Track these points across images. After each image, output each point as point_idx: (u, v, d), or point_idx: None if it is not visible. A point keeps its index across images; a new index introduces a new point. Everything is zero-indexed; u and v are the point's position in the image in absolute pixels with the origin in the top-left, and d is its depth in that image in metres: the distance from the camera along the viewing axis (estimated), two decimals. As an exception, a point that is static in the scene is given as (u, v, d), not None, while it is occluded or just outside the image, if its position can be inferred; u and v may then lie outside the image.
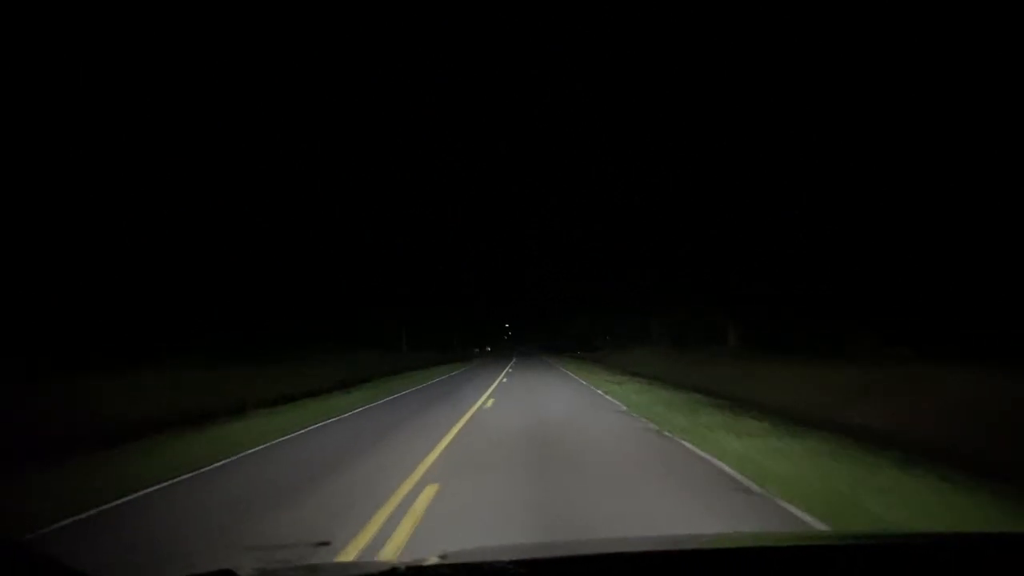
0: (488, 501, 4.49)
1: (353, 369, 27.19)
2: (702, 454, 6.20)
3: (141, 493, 5.11)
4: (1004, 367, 9.21)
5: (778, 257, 21.52)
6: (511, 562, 1.13)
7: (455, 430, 8.42)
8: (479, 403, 12.31)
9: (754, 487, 4.72)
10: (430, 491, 4.78)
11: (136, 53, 19.86)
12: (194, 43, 23.03)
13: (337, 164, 41.25)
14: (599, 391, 14.90)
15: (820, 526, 3.72)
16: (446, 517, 4.10)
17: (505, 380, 19.73)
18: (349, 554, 3.35)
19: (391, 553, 3.33)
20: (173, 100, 21.25)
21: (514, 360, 43.01)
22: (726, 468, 5.46)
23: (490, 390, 15.97)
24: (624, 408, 10.97)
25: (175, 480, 5.59)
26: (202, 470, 6.03)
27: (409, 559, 1.20)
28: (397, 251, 50.14)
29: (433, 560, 1.18)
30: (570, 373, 23.12)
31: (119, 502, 4.83)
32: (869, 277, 17.49)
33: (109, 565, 3.36)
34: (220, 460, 6.52)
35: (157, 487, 5.32)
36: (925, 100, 15.11)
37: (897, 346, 14.52)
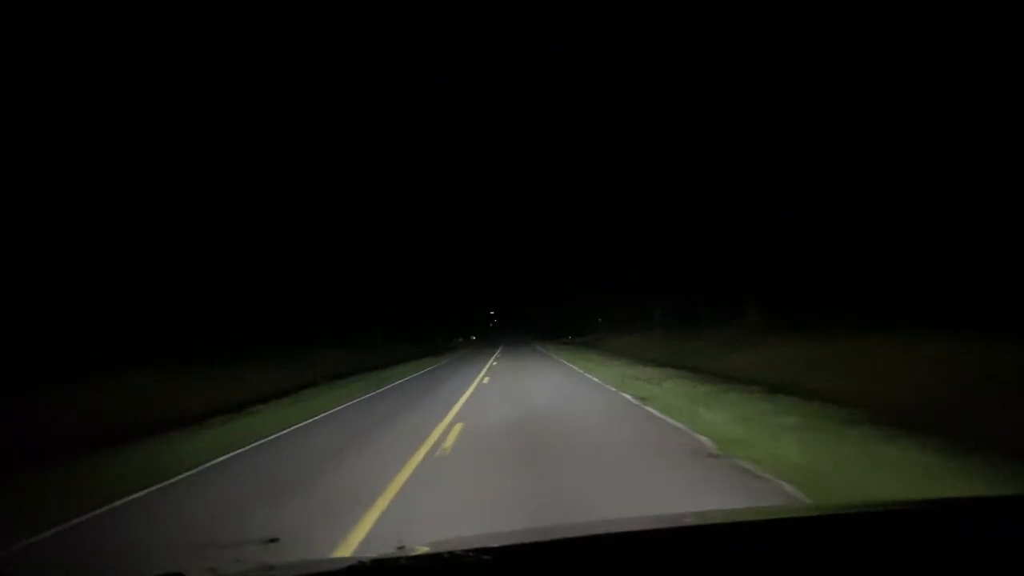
0: None
1: (314, 368, 22.87)
2: None
3: None
4: None
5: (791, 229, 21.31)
6: (477, 550, 1.06)
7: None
8: (440, 430, 6.95)
9: None
10: None
11: (134, 56, 19.70)
12: (191, 44, 22.77)
13: (320, 158, 38.94)
14: (628, 396, 9.55)
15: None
16: None
17: (486, 381, 14.33)
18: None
19: None
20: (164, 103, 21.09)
21: (500, 349, 37.57)
22: None
23: (464, 397, 10.60)
24: (713, 448, 5.53)
25: None
26: None
27: (371, 555, 1.09)
28: (378, 245, 45.70)
29: (395, 554, 1.12)
30: (572, 365, 17.82)
31: None
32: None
33: None
34: None
35: None
36: (922, 95, 15.30)
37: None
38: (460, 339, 55.57)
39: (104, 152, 18.65)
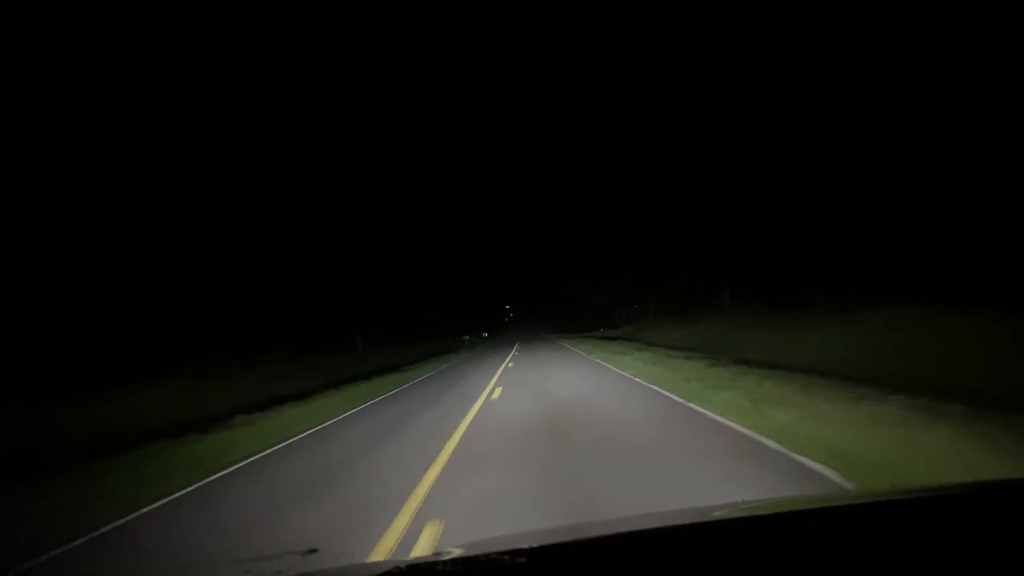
0: None
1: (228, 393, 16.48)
2: None
3: None
4: None
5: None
6: (513, 552, 1.03)
7: None
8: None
9: None
10: None
11: (127, 68, 20.35)
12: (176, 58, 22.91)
13: (297, 147, 35.29)
14: None
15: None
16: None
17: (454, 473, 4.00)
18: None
19: None
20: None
21: (515, 351, 27.07)
22: None
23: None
24: None
25: None
26: None
27: (407, 559, 1.07)
28: (362, 242, 38.60)
29: (432, 558, 1.07)
30: (679, 398, 7.49)
31: None
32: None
33: None
34: None
35: None
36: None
37: None
38: (467, 338, 44.75)
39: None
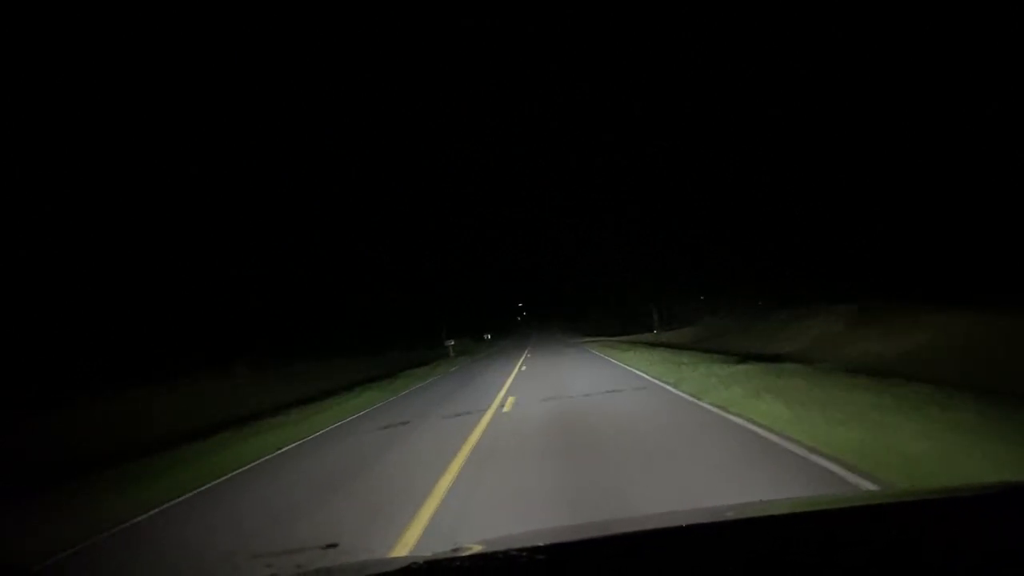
0: None
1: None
2: None
3: None
4: None
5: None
6: (531, 549, 1.02)
7: None
8: None
9: None
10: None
11: (126, 67, 19.82)
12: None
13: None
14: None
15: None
16: None
17: None
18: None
19: None
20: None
21: (518, 375, 15.63)
22: None
23: None
24: None
25: None
26: None
27: (425, 554, 1.10)
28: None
29: (450, 554, 1.09)
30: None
31: None
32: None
33: None
34: None
35: None
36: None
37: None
38: (451, 342, 33.53)
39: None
